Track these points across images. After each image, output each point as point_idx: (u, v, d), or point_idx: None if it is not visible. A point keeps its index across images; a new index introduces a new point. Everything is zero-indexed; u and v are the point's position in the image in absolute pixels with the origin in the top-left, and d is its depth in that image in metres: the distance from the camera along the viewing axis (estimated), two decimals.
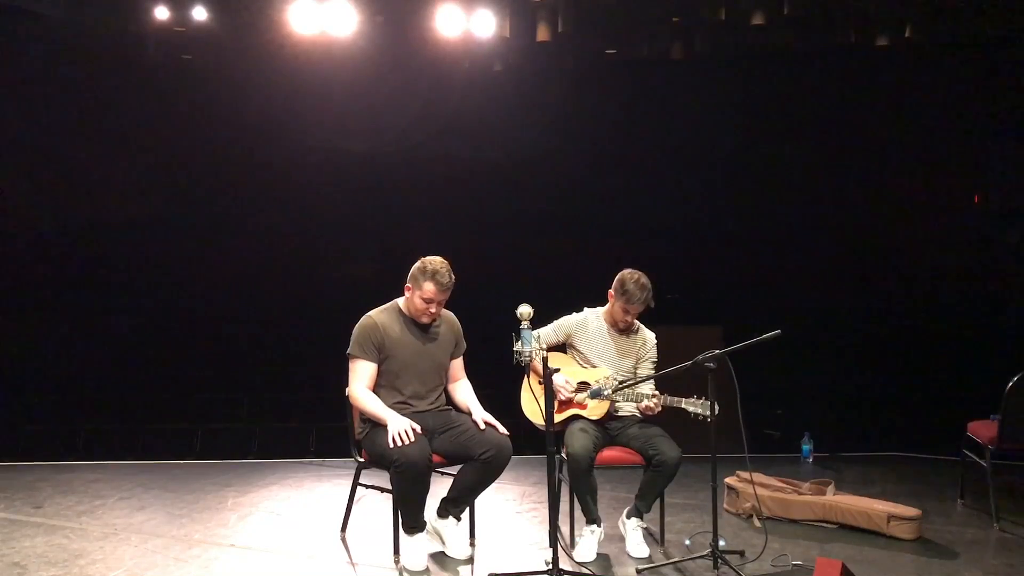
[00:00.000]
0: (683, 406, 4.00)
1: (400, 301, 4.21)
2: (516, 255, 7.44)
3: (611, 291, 4.33)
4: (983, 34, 6.46)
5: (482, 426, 4.08)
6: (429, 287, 4.01)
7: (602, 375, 4.28)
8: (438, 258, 4.06)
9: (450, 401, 4.34)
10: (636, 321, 4.46)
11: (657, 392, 4.14)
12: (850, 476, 5.88)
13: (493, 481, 4.10)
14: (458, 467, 4.13)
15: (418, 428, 3.92)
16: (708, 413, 3.89)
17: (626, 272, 4.31)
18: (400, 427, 3.87)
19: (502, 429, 4.10)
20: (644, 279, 4.28)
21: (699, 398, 3.96)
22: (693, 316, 7.00)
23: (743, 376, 3.90)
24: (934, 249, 7.11)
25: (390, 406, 4.04)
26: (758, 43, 6.53)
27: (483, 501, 4.40)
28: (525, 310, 3.68)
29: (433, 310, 4.07)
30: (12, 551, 4.24)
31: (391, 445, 3.83)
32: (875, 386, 7.07)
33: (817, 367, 6.93)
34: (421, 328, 4.17)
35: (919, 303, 7.09)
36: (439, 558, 4.12)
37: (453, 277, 4.04)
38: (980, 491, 4.99)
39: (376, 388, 4.12)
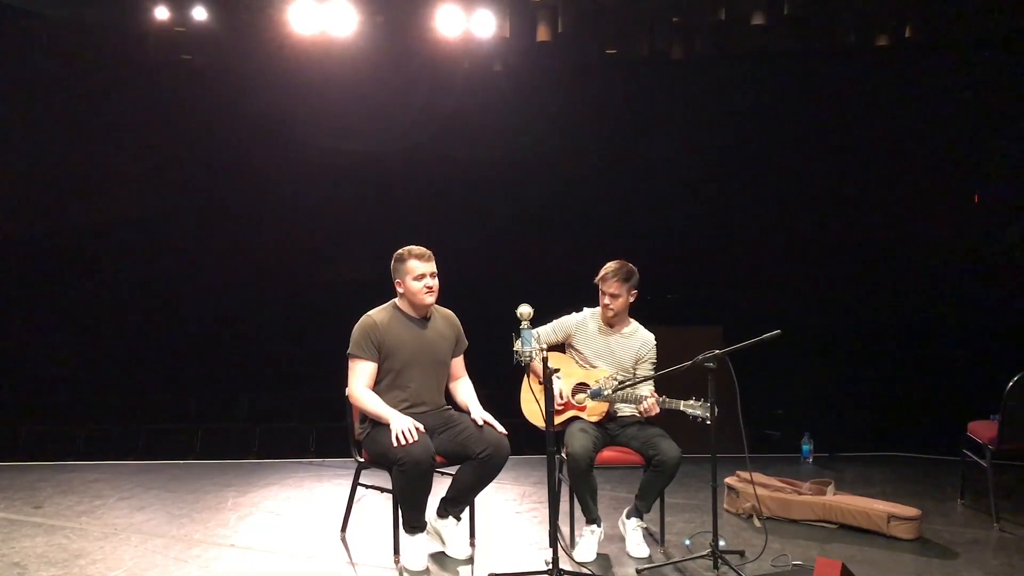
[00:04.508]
0: (682, 408, 4.00)
1: (396, 301, 4.22)
2: (516, 255, 7.43)
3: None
4: (983, 34, 6.45)
5: (480, 424, 4.09)
6: (413, 264, 4.09)
7: (601, 375, 4.28)
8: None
9: (450, 400, 4.35)
10: (633, 321, 4.46)
11: (656, 395, 4.13)
12: (850, 476, 5.89)
13: (491, 480, 4.11)
14: (456, 467, 4.13)
15: (421, 427, 3.92)
16: (707, 415, 3.89)
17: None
18: (403, 426, 3.87)
19: (500, 428, 4.10)
20: (624, 263, 4.33)
21: (698, 400, 3.96)
22: (693, 316, 7.00)
23: (743, 376, 3.90)
24: (934, 249, 7.10)
25: (393, 406, 4.04)
26: (758, 43, 6.52)
27: (483, 501, 4.41)
28: (525, 310, 3.68)
29: (430, 284, 4.09)
30: (12, 551, 4.24)
31: (395, 444, 3.83)
32: (875, 386, 7.06)
33: (817, 367, 6.93)
34: (421, 326, 4.18)
35: (919, 303, 7.08)
36: (439, 558, 4.12)
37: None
38: (980, 491, 5.00)
39: (379, 388, 4.12)
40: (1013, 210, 7.04)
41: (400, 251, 4.16)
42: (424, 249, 4.15)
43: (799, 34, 6.44)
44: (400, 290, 4.16)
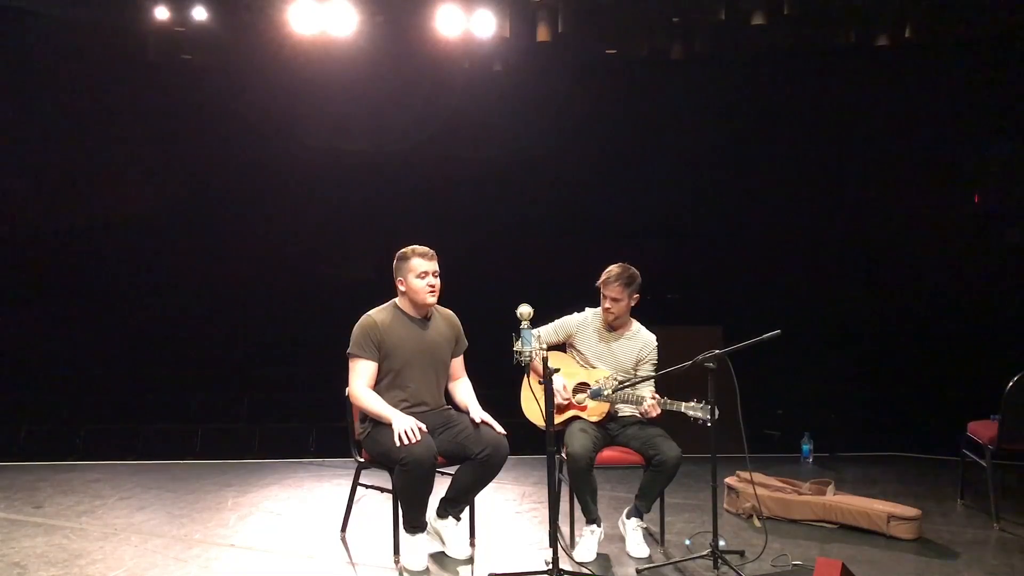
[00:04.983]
0: (683, 410, 3.99)
1: (396, 300, 4.22)
2: (516, 255, 7.43)
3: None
4: (983, 34, 6.46)
5: (478, 423, 4.08)
6: (417, 262, 4.10)
7: (602, 375, 4.28)
8: None
9: (450, 400, 4.35)
10: (635, 322, 4.46)
11: (657, 396, 4.13)
12: (850, 476, 5.89)
13: (490, 481, 4.11)
14: (455, 467, 4.13)
15: (423, 427, 3.92)
16: (708, 417, 3.89)
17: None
18: (406, 426, 3.87)
19: (499, 428, 4.10)
20: (627, 267, 4.32)
21: (699, 402, 3.95)
22: (693, 316, 7.00)
23: (743, 376, 3.90)
24: (934, 249, 7.11)
25: (393, 406, 4.04)
26: (758, 43, 6.53)
27: (483, 501, 4.41)
28: (525, 310, 3.68)
29: (433, 283, 4.10)
30: (12, 551, 4.24)
31: (398, 444, 3.83)
32: (875, 386, 7.07)
33: (817, 367, 6.93)
34: (421, 326, 4.18)
35: (919, 303, 7.09)
36: (439, 558, 4.12)
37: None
38: (980, 491, 5.00)
39: (378, 387, 4.12)
40: (1013, 210, 7.04)
41: (404, 250, 4.17)
42: (428, 248, 4.16)
43: (799, 34, 6.44)
44: (402, 288, 4.16)
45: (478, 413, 4.15)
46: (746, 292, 7.18)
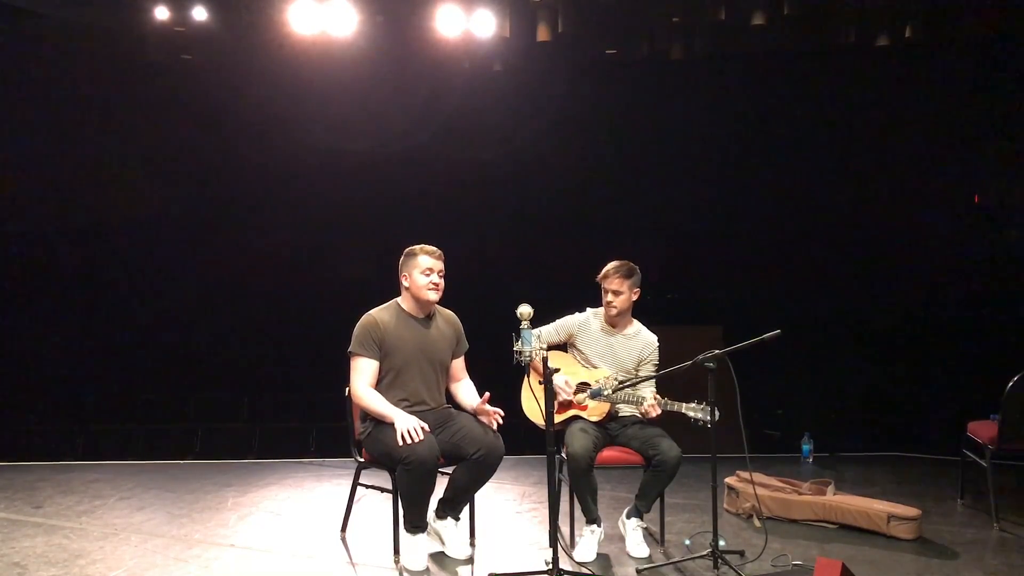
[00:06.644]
0: (684, 411, 4.00)
1: (399, 300, 4.22)
2: (516, 255, 7.43)
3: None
4: (983, 34, 6.46)
5: (487, 421, 4.07)
6: (423, 259, 4.12)
7: (602, 375, 4.29)
8: None
9: (451, 401, 4.35)
10: (636, 322, 4.47)
11: (658, 396, 4.13)
12: (850, 476, 5.89)
13: (486, 481, 4.11)
14: (452, 467, 4.14)
15: (426, 426, 3.92)
16: (708, 419, 3.89)
17: None
18: (409, 425, 3.87)
19: (496, 421, 4.08)
20: (626, 261, 4.35)
21: (700, 403, 3.95)
22: (693, 316, 7.00)
23: (743, 376, 3.90)
24: (934, 249, 7.10)
25: (394, 404, 4.04)
26: (758, 43, 6.52)
27: (483, 501, 4.41)
28: (525, 310, 3.69)
29: (436, 280, 4.12)
30: (12, 551, 4.24)
31: (400, 443, 3.84)
32: (875, 386, 7.07)
33: (817, 367, 6.93)
34: (422, 325, 4.18)
35: (919, 303, 7.08)
36: (439, 558, 4.12)
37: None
38: (980, 491, 5.00)
39: (379, 387, 4.12)
40: (1013, 209, 7.04)
41: (412, 247, 4.20)
42: (436, 248, 4.19)
43: (799, 34, 6.44)
44: (406, 283, 4.17)
45: (478, 405, 4.15)
46: (746, 292, 7.18)
